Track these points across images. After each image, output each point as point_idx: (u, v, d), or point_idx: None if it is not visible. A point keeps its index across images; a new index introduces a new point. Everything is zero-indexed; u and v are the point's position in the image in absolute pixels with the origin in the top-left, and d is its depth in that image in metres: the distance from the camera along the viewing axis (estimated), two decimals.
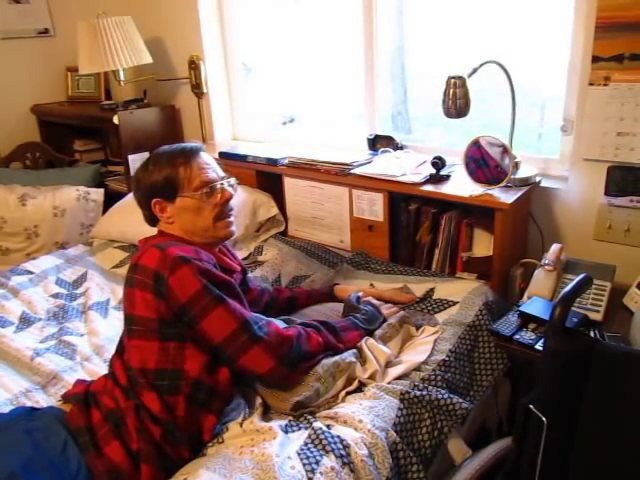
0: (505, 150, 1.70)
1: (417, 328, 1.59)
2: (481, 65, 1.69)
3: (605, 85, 1.67)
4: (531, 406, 1.11)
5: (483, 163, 1.75)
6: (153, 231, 1.43)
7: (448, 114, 1.71)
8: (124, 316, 1.29)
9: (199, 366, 1.22)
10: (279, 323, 1.36)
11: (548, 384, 1.09)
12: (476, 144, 1.74)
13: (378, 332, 1.48)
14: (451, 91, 1.67)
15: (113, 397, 1.23)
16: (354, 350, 1.40)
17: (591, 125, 1.73)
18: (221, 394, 1.26)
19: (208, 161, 1.39)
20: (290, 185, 2.22)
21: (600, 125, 1.71)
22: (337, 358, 1.34)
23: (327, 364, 1.31)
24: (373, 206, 1.98)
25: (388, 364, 1.43)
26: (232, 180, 1.43)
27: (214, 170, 1.38)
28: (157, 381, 1.21)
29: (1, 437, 1.15)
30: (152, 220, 1.41)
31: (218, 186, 1.37)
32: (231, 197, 1.39)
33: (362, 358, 1.40)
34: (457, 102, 1.67)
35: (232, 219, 1.41)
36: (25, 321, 1.82)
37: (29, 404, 1.42)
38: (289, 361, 1.26)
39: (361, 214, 2.02)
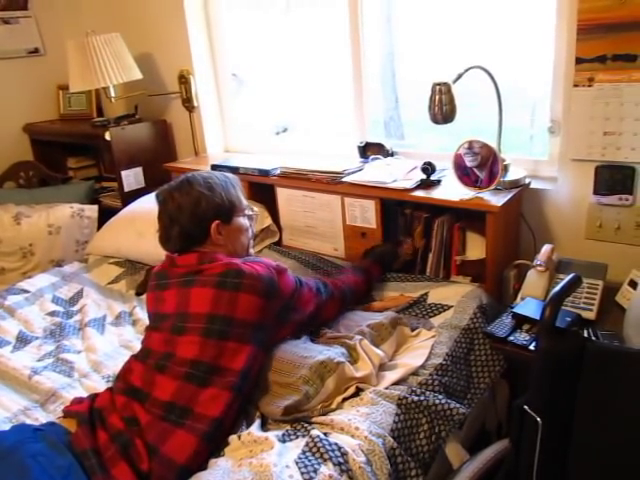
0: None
1: (412, 330, 1.59)
2: (466, 70, 1.71)
3: (589, 86, 1.69)
4: (526, 407, 1.12)
5: (468, 172, 1.78)
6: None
7: (435, 120, 1.73)
8: (206, 315, 1.29)
9: (257, 370, 1.35)
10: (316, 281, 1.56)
11: (541, 384, 1.09)
12: (459, 153, 1.77)
13: (370, 333, 1.49)
14: (437, 97, 1.69)
15: (124, 416, 1.22)
16: (342, 350, 1.41)
17: (577, 126, 1.75)
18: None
19: None
20: (283, 195, 2.23)
21: (586, 125, 1.73)
22: (324, 358, 1.34)
23: (314, 365, 1.32)
24: (365, 213, 1.99)
25: (382, 366, 1.43)
26: None
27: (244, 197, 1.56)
28: (239, 382, 1.26)
29: (6, 462, 1.13)
30: (193, 242, 1.43)
31: (252, 209, 1.58)
32: (255, 219, 1.64)
33: (353, 358, 1.40)
34: (443, 108, 1.69)
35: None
36: (22, 340, 1.82)
37: (28, 422, 1.42)
38: (348, 301, 1.63)
39: (354, 222, 2.03)
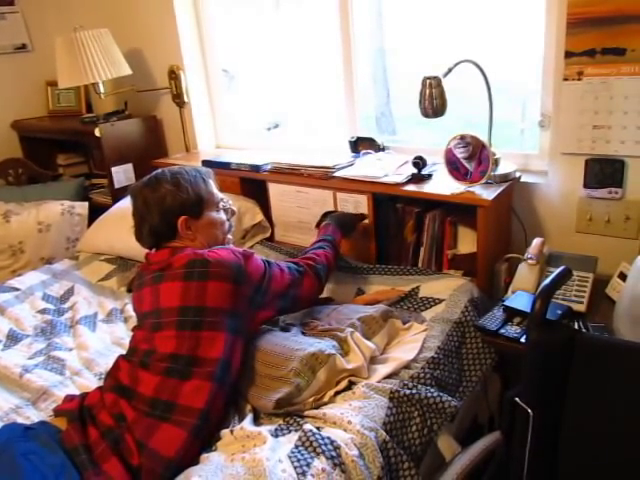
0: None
1: (404, 323, 1.60)
2: (456, 65, 1.71)
3: (579, 80, 1.70)
4: (517, 399, 1.12)
5: (458, 166, 1.78)
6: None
7: (425, 114, 1.74)
8: (178, 308, 1.28)
9: (240, 360, 1.34)
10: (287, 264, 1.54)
11: (532, 376, 1.10)
12: (450, 147, 1.76)
13: (361, 326, 1.49)
14: (427, 91, 1.69)
15: (113, 413, 1.22)
16: (333, 342, 1.41)
17: (567, 119, 1.75)
18: (232, 394, 1.35)
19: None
20: (275, 191, 2.23)
21: (576, 119, 1.74)
22: (315, 350, 1.34)
23: (305, 357, 1.32)
24: (358, 208, 1.99)
25: (374, 360, 1.44)
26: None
27: (218, 190, 1.55)
28: (219, 372, 1.25)
29: None
30: (163, 238, 1.43)
31: (228, 203, 1.55)
32: (236, 213, 1.61)
33: (344, 350, 1.41)
34: (433, 102, 1.69)
35: (231, 235, 1.58)
36: (12, 338, 1.81)
37: (20, 420, 1.41)
38: (323, 276, 1.59)
39: None
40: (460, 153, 1.75)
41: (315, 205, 2.11)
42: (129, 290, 2.06)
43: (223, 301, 1.30)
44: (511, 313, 1.58)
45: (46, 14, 3.12)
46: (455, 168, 1.78)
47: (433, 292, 1.74)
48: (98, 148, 2.73)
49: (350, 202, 2.00)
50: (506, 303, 1.60)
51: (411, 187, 1.86)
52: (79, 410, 1.26)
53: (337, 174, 2.01)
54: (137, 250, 2.15)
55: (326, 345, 1.38)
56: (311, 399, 1.31)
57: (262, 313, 1.43)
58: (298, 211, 2.18)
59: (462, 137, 1.73)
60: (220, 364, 1.26)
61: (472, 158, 1.73)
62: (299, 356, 1.32)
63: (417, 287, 1.77)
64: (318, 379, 1.32)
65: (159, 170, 1.48)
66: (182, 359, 1.24)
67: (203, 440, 1.23)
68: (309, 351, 1.34)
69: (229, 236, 1.55)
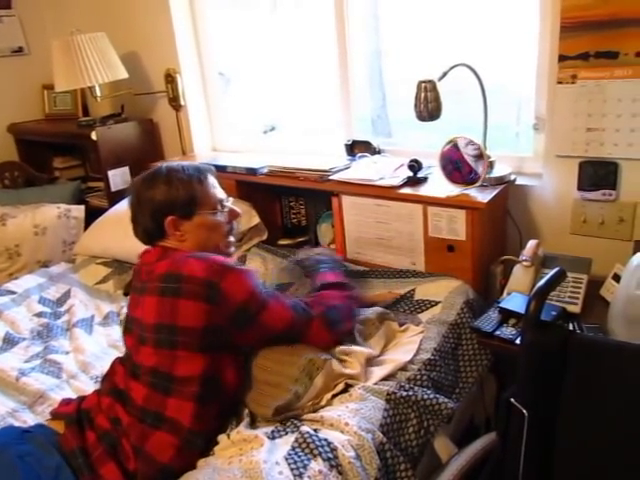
0: (480, 155, 1.73)
1: (400, 325, 1.60)
2: (451, 68, 1.73)
3: (573, 83, 1.71)
4: (512, 400, 1.13)
5: (460, 166, 1.78)
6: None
7: (420, 117, 1.75)
8: (154, 325, 1.24)
9: (235, 373, 1.30)
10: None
11: (527, 377, 1.11)
12: (455, 145, 1.76)
13: (358, 329, 1.49)
14: (422, 95, 1.71)
15: (110, 417, 1.22)
16: None
17: (561, 122, 1.77)
18: (231, 404, 1.34)
19: (216, 181, 1.45)
20: (349, 204, 2.00)
21: (570, 122, 1.75)
22: (312, 356, 1.34)
23: (302, 364, 1.32)
24: (454, 224, 1.77)
25: (370, 362, 1.44)
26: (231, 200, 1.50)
27: (221, 190, 1.45)
28: (202, 391, 1.21)
29: None
30: (154, 237, 1.38)
31: (229, 204, 1.45)
32: (239, 215, 1.49)
33: (340, 356, 1.41)
34: (428, 105, 1.70)
35: (234, 239, 1.48)
36: (9, 342, 1.81)
37: (16, 424, 1.41)
38: (335, 327, 1.41)
39: (438, 233, 1.81)
40: (471, 151, 1.73)
41: (399, 220, 1.88)
42: (126, 293, 2.06)
43: (195, 320, 1.21)
44: (506, 315, 1.59)
45: (43, 17, 3.12)
46: (456, 168, 1.77)
47: (429, 294, 1.74)
48: (94, 151, 2.73)
49: (444, 218, 1.78)
50: (501, 305, 1.61)
51: (407, 190, 1.86)
52: (77, 413, 1.26)
53: (333, 177, 2.02)
54: (134, 253, 2.15)
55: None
56: (309, 403, 1.31)
57: (250, 336, 1.32)
58: (378, 226, 1.95)
59: (470, 140, 1.74)
60: (203, 383, 1.22)
61: (480, 158, 1.73)
62: (296, 363, 1.32)
63: (413, 289, 1.78)
64: (315, 385, 1.31)
65: (158, 165, 1.42)
66: (162, 375, 1.22)
67: (198, 447, 1.22)
68: (306, 357, 1.33)
69: (230, 239, 1.46)
